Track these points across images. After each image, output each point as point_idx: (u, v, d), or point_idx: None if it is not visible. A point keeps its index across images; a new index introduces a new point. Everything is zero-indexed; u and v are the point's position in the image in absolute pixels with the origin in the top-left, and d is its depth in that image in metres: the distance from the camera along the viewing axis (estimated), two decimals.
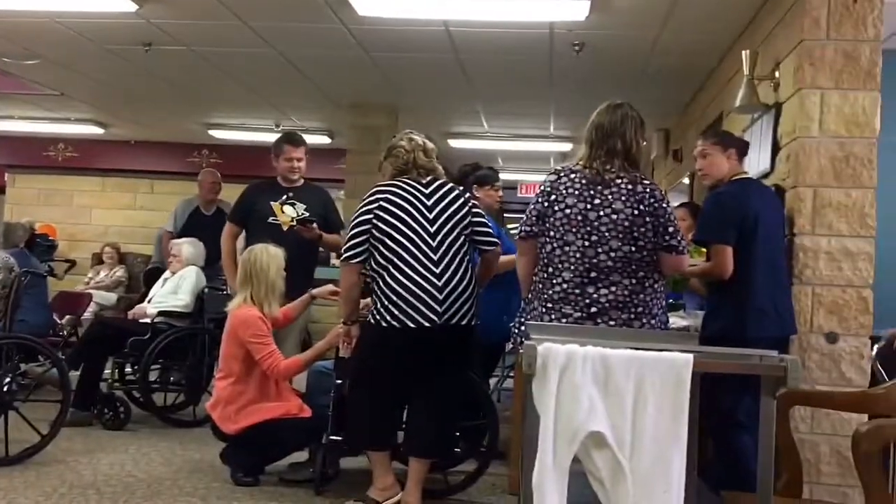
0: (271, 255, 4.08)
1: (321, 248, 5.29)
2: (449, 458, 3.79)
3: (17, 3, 5.05)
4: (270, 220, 4.84)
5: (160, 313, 5.33)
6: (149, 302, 5.54)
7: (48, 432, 4.18)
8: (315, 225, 4.81)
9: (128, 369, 5.31)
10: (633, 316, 3.00)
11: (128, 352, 5.14)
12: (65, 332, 6.49)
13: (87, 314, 7.36)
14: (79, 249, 9.90)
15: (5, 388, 4.11)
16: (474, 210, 3.56)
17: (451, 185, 3.58)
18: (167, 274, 5.70)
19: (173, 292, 5.47)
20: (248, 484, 3.86)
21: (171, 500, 3.59)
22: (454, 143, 9.02)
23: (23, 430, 4.11)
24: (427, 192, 3.49)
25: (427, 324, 3.32)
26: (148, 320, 5.31)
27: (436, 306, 3.33)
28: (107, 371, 5.25)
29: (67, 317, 7.04)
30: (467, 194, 3.64)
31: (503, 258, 3.77)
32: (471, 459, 3.91)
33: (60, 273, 7.47)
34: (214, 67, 6.60)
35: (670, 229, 3.02)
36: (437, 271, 3.37)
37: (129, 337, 5.14)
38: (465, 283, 3.43)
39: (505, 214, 4.53)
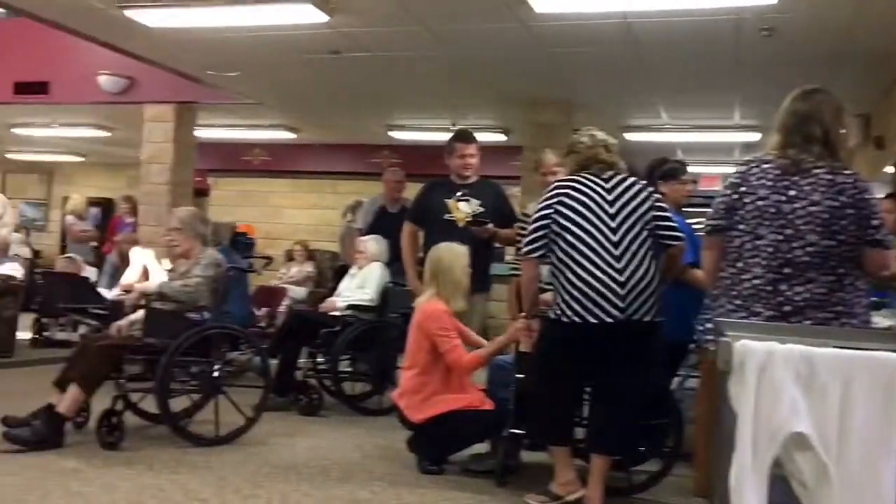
0: (455, 255, 4.20)
1: (496, 245, 5.38)
2: (631, 457, 3.74)
3: (222, 20, 5.49)
4: (446, 217, 4.97)
5: (348, 307, 5.62)
6: (338, 296, 5.84)
7: (252, 416, 4.55)
8: (491, 224, 4.89)
9: (320, 359, 5.62)
10: (831, 315, 2.80)
11: (320, 343, 5.47)
12: (263, 324, 6.99)
13: (281, 307, 7.88)
14: (273, 247, 10.60)
15: (215, 374, 4.49)
16: (657, 204, 3.49)
17: (633, 179, 3.53)
18: (354, 270, 5.99)
19: (360, 287, 5.74)
20: (433, 472, 4.00)
21: (363, 484, 3.78)
22: (630, 137, 8.85)
23: (230, 412, 4.47)
24: (608, 186, 3.46)
25: (609, 319, 3.30)
26: (337, 313, 5.61)
27: (617, 302, 3.30)
28: (302, 360, 5.60)
29: (265, 309, 7.58)
30: (650, 188, 3.57)
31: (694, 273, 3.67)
32: (654, 459, 3.85)
33: (259, 269, 8.05)
34: (396, 71, 6.87)
35: (874, 222, 2.81)
36: (619, 266, 3.34)
37: (321, 329, 5.46)
38: (647, 278, 3.37)
39: (683, 209, 4.40)
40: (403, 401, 4.12)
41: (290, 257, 10.26)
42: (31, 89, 8.75)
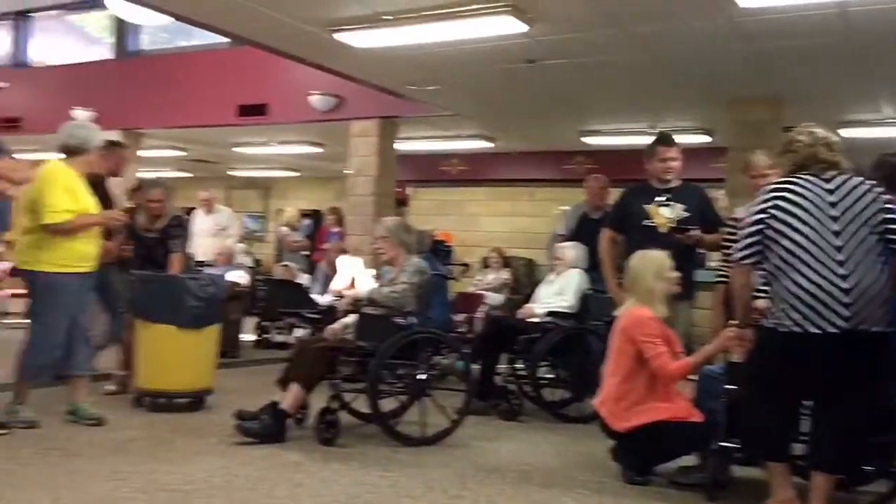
0: (646, 262, 4.10)
1: (701, 250, 5.19)
2: (857, 476, 3.47)
3: (424, 37, 5.71)
4: (645, 222, 4.87)
5: (547, 313, 5.64)
6: (536, 303, 5.88)
7: (456, 418, 4.68)
8: (696, 230, 4.73)
9: (519, 365, 5.68)
10: None
11: (519, 349, 5.53)
12: (462, 329, 7.17)
13: (479, 313, 8.04)
14: (469, 254, 10.83)
15: (421, 377, 4.66)
16: (887, 206, 3.23)
17: (858, 179, 3.28)
18: (552, 276, 6.00)
19: (559, 293, 5.75)
20: (637, 483, 3.92)
21: (565, 491, 3.77)
22: (846, 133, 8.20)
23: (435, 414, 4.63)
24: (829, 187, 3.24)
25: (832, 329, 3.09)
26: (536, 320, 5.65)
27: (842, 310, 3.09)
28: (501, 366, 5.69)
29: (463, 315, 7.76)
30: (878, 189, 3.30)
31: None
32: (882, 480, 3.55)
33: (457, 276, 8.26)
34: (592, 76, 6.82)
35: None
36: (843, 272, 3.12)
37: (520, 335, 5.53)
38: (875, 285, 3.13)
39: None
40: (605, 408, 4.08)
41: (485, 264, 10.43)
42: (252, 111, 9.53)
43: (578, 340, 5.54)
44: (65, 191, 4.46)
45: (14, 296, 9.30)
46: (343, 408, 4.70)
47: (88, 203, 4.61)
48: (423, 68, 6.73)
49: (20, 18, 11.89)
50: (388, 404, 4.76)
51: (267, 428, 4.37)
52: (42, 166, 4.57)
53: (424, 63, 6.53)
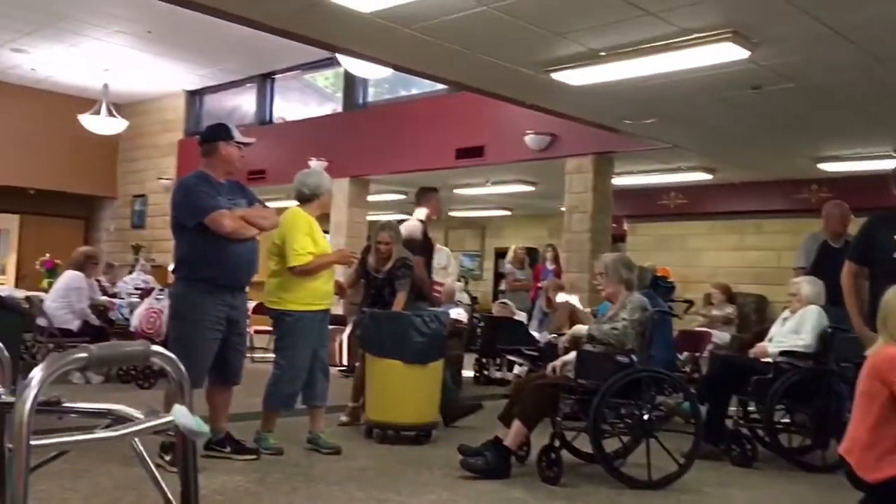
0: None
1: None
2: None
3: (640, 70, 5.64)
4: (895, 255, 4.43)
5: (782, 353, 5.28)
6: (769, 341, 5.53)
7: (683, 462, 4.48)
8: None
9: (751, 407, 5.35)
10: None
11: (751, 390, 5.20)
12: (687, 369, 6.88)
13: (704, 352, 7.69)
14: (691, 290, 10.43)
15: (645, 417, 4.52)
16: None
17: None
18: (786, 313, 5.62)
19: (794, 332, 5.37)
20: None
21: None
22: None
23: (661, 457, 4.46)
24: None
25: None
26: (769, 360, 5.30)
27: None
28: (732, 408, 5.39)
29: (687, 354, 7.46)
30: None
31: None
32: None
33: (680, 312, 7.97)
34: (824, 98, 6.38)
35: None
36: None
37: (751, 375, 5.20)
38: None
39: None
40: (853, 457, 3.71)
41: (708, 301, 10.00)
42: (469, 153, 9.85)
43: (818, 382, 5.12)
44: (306, 235, 4.87)
45: (257, 332, 10.19)
46: (565, 446, 4.66)
47: (325, 245, 5.01)
48: (640, 102, 6.63)
49: (264, 80, 13.17)
50: (610, 444, 4.65)
51: (491, 465, 4.43)
52: (284, 213, 5.02)
53: (641, 96, 6.43)
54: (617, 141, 8.40)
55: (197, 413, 1.56)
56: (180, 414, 1.46)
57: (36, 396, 1.26)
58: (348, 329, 8.84)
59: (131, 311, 8.33)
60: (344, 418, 5.95)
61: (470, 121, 9.85)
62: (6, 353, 1.83)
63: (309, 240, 4.90)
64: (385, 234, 5.99)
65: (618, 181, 9.68)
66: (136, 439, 1.65)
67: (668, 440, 4.59)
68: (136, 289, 9.35)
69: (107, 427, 1.58)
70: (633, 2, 4.52)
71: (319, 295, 4.96)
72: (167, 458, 4.04)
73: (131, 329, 7.99)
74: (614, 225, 9.84)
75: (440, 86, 9.64)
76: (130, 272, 10.65)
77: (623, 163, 9.43)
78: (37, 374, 1.29)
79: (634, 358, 4.62)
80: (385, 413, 5.41)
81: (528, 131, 9.14)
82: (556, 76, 5.87)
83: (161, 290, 8.31)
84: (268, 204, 4.94)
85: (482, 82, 6.54)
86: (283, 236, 4.90)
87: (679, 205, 11.57)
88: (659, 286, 7.62)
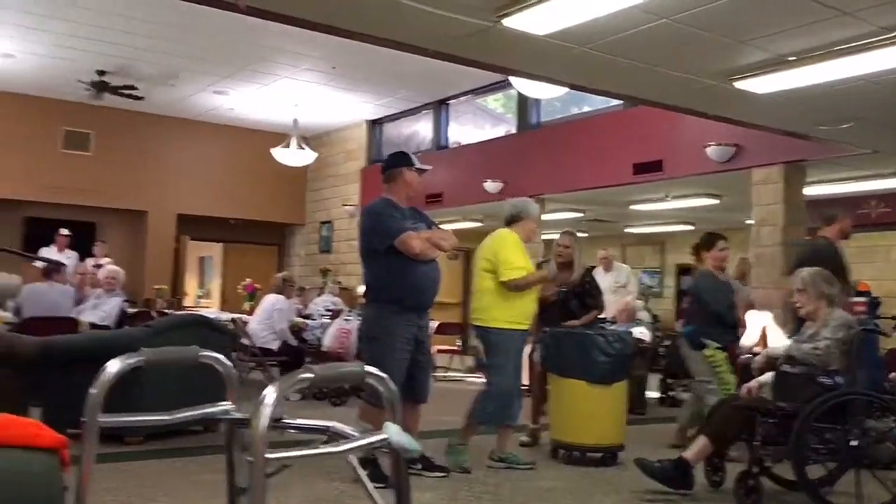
0: None
1: None
2: None
3: (834, 74, 5.31)
4: None
5: None
6: None
7: None
8: None
9: None
10: None
11: None
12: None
13: None
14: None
15: (854, 443, 4.21)
16: None
17: None
18: None
19: None
20: None
21: None
22: None
23: (872, 486, 4.14)
24: None
25: None
26: None
27: None
28: None
29: (894, 374, 6.87)
30: None
31: None
32: None
33: (888, 330, 7.36)
34: None
35: None
36: None
37: None
38: None
39: None
40: None
41: None
42: (647, 168, 9.64)
43: None
44: (517, 251, 5.11)
45: (439, 351, 10.46)
46: (763, 472, 4.43)
47: (531, 265, 5.24)
48: (834, 107, 6.24)
49: (439, 106, 13.56)
50: (814, 471, 4.37)
51: (665, 472, 4.31)
52: (492, 234, 5.27)
53: (835, 101, 6.04)
54: (809, 148, 7.92)
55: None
56: (393, 432, 1.54)
57: (271, 413, 1.37)
58: (528, 348, 8.87)
59: (323, 332, 8.81)
60: (525, 438, 5.98)
61: (647, 135, 9.65)
62: (234, 370, 2.00)
63: (521, 255, 5.10)
64: (566, 238, 6.02)
65: (810, 190, 9.12)
66: (351, 455, 1.76)
67: (883, 470, 4.25)
68: (327, 310, 9.86)
69: (324, 443, 1.70)
70: (826, 2, 4.27)
71: (525, 314, 5.16)
72: (365, 472, 4.23)
73: (323, 349, 8.45)
74: (808, 237, 9.26)
75: (614, 101, 9.52)
76: (320, 294, 11.25)
77: (816, 171, 8.87)
78: (270, 392, 1.41)
79: (839, 379, 4.33)
80: (570, 433, 5.38)
81: (710, 143, 8.82)
82: (740, 85, 5.64)
83: (349, 311, 8.74)
84: (443, 226, 5.15)
85: (661, 96, 6.40)
86: (496, 253, 5.13)
87: (881, 214, 10.72)
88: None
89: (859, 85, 5.58)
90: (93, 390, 1.71)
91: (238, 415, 1.89)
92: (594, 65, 5.44)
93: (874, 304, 7.37)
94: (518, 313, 5.10)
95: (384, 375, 1.62)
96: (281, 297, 8.58)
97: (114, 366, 1.73)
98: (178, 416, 1.92)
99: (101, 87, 11.65)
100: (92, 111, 13.14)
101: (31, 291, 7.34)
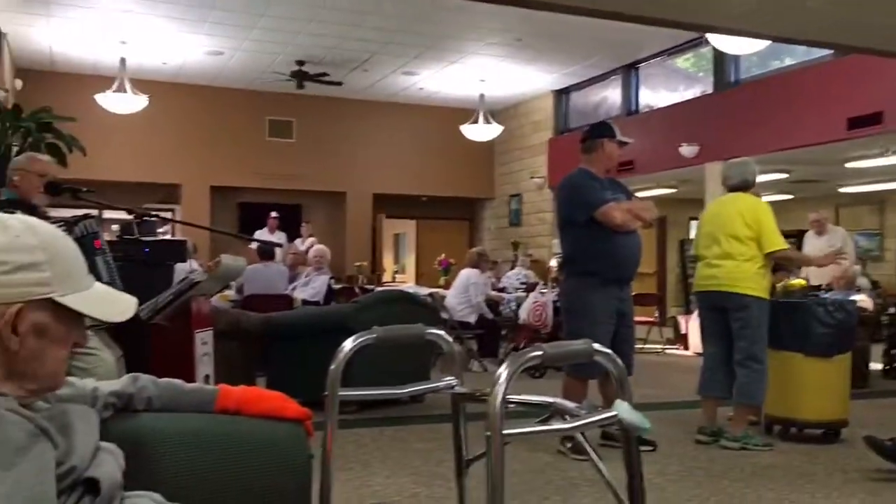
0: None
1: None
2: None
3: None
4: None
5: None
6: None
7: None
8: None
9: None
10: None
11: None
12: None
13: None
14: None
15: None
16: None
17: None
18: None
19: None
20: None
21: None
22: None
23: None
24: None
25: None
26: None
27: None
28: None
29: None
30: None
31: None
32: None
33: None
34: None
35: None
36: None
37: None
38: None
39: None
40: None
41: None
42: (864, 122, 8.85)
43: None
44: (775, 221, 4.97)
45: (637, 323, 10.23)
46: None
47: None
48: None
49: (628, 71, 13.17)
50: None
51: None
52: (744, 200, 5.04)
53: None
54: None
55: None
56: (624, 409, 1.52)
57: (506, 390, 1.40)
58: None
59: (517, 305, 8.89)
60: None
61: (862, 86, 8.85)
62: (457, 346, 2.06)
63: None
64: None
65: None
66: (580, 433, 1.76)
67: None
68: (520, 283, 9.94)
69: (547, 418, 1.71)
70: None
71: (768, 287, 5.01)
72: (568, 445, 4.27)
73: (520, 322, 8.54)
74: None
75: (820, 52, 8.80)
76: (512, 268, 11.35)
77: None
78: (504, 371, 1.44)
79: None
80: (787, 408, 5.09)
81: None
82: None
83: (544, 284, 8.76)
84: (638, 195, 5.00)
85: (880, 42, 5.84)
86: (759, 222, 4.89)
87: None
88: None
89: None
90: (332, 366, 1.82)
91: (464, 389, 1.94)
92: (802, 14, 5.05)
93: None
94: (768, 284, 4.98)
95: (611, 352, 1.60)
96: (476, 271, 8.74)
97: (350, 344, 1.83)
98: (411, 389, 2.01)
99: (300, 76, 12.33)
100: (293, 100, 13.95)
101: (251, 272, 7.94)
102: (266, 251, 8.45)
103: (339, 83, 12.83)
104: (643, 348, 10.35)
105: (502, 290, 10.00)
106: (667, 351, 10.24)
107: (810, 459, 4.53)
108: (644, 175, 11.98)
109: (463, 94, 14.16)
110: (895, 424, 4.34)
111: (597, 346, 1.59)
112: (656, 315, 12.06)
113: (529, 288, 9.26)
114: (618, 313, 4.64)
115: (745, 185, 5.09)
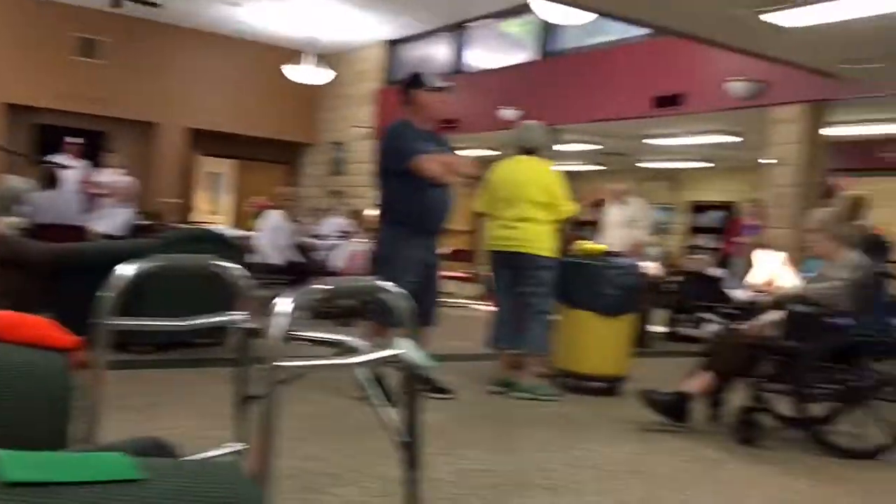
0: None
1: None
2: None
3: (866, 9, 5.15)
4: None
5: None
6: None
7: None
8: None
9: None
10: None
11: None
12: None
13: None
14: None
15: (856, 384, 4.23)
16: None
17: None
18: None
19: None
20: None
21: None
22: None
23: (872, 427, 4.18)
24: None
25: None
26: None
27: None
28: None
29: None
30: None
31: None
32: None
33: None
34: None
35: None
36: None
37: None
38: None
39: None
40: None
41: None
42: (668, 102, 9.46)
43: None
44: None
45: (448, 278, 10.48)
46: (764, 409, 4.46)
47: None
48: (862, 44, 6.07)
49: (458, 29, 13.27)
50: (815, 410, 4.40)
51: (668, 404, 4.34)
52: (536, 165, 5.24)
53: (863, 38, 5.88)
54: (833, 88, 7.73)
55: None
56: (407, 347, 1.54)
57: (285, 323, 1.36)
58: None
59: (333, 253, 8.83)
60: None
61: (669, 68, 9.45)
62: (249, 281, 1.99)
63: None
64: None
65: (830, 131, 8.96)
66: (358, 371, 1.76)
67: (885, 410, 4.28)
68: (338, 232, 9.86)
69: (336, 356, 1.70)
70: None
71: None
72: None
73: (333, 270, 8.48)
74: (828, 179, 9.14)
75: (636, 31, 9.28)
76: (331, 216, 11.24)
77: (839, 111, 8.70)
78: (285, 301, 1.40)
79: (847, 320, 4.33)
80: (575, 363, 5.42)
81: (732, 78, 8.63)
82: (767, 18, 5.48)
83: (362, 233, 8.74)
84: (459, 153, 5.07)
85: (688, 26, 6.23)
86: (552, 187, 5.16)
87: None
88: (875, 246, 7.05)
89: (890, 22, 5.42)
90: (104, 293, 1.70)
91: (251, 324, 1.89)
92: None
93: (885, 247, 7.33)
94: (556, 245, 5.21)
95: (401, 291, 1.61)
96: (279, 213, 8.51)
97: (126, 269, 1.72)
98: (189, 322, 1.92)
99: None
100: (106, 18, 12.93)
101: (40, 199, 7.33)
102: (46, 175, 7.70)
103: (158, 5, 12.01)
104: (454, 302, 10.65)
105: (318, 237, 9.89)
106: (474, 306, 10.58)
107: (593, 410, 4.86)
108: (468, 134, 12.20)
109: (291, 34, 13.71)
110: (671, 382, 4.71)
111: (385, 284, 1.59)
112: (470, 271, 12.39)
113: (346, 237, 9.22)
114: (425, 264, 4.71)
115: (537, 149, 5.32)
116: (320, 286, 1.45)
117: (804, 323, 4.31)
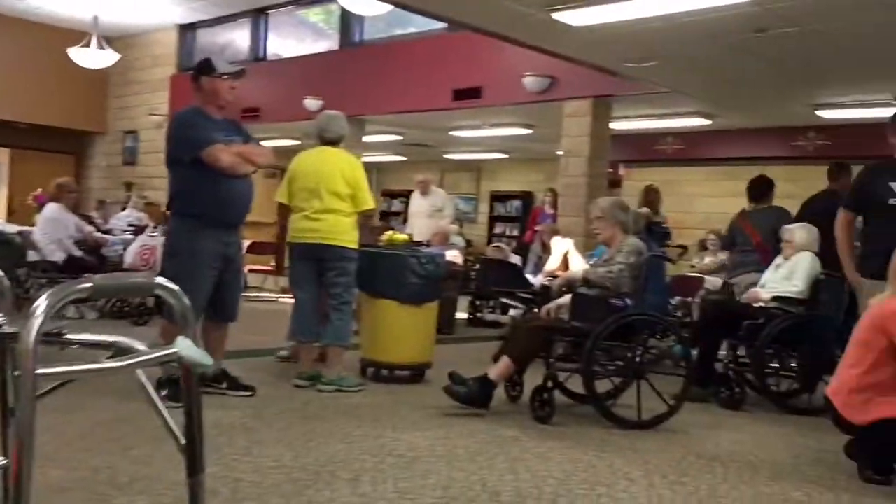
0: None
1: None
2: None
3: (644, 11, 5.55)
4: (891, 201, 4.46)
5: (774, 298, 5.32)
6: (761, 287, 5.57)
7: (673, 404, 4.56)
8: None
9: (741, 352, 5.42)
10: None
11: (742, 335, 5.26)
12: (679, 314, 6.94)
13: (696, 297, 7.74)
14: (684, 236, 10.45)
15: (637, 360, 4.58)
16: None
17: None
18: (779, 260, 5.65)
19: (787, 278, 5.41)
20: (877, 482, 3.62)
21: (795, 486, 3.56)
22: None
23: (651, 398, 4.54)
24: None
25: None
26: (762, 304, 5.35)
27: None
28: (722, 352, 5.45)
29: (678, 298, 7.52)
30: None
31: None
32: None
33: (675, 258, 8.00)
34: (826, 43, 6.30)
35: None
36: None
37: (743, 320, 5.25)
38: None
39: None
40: (840, 399, 3.78)
41: (703, 247, 10.02)
42: (467, 95, 9.74)
43: (809, 328, 5.18)
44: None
45: (252, 271, 10.21)
46: (557, 387, 4.72)
47: None
48: (642, 44, 6.55)
49: (258, 15, 12.91)
50: (602, 386, 4.72)
51: (471, 394, 4.47)
52: (338, 155, 5.20)
53: (643, 39, 6.34)
54: (616, 84, 8.31)
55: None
56: (184, 346, 1.47)
57: (42, 325, 1.26)
58: None
59: (125, 248, 8.31)
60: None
61: (468, 61, 9.72)
62: (6, 281, 1.82)
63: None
64: None
65: (615, 125, 9.61)
66: (140, 372, 1.66)
67: (659, 382, 4.66)
68: (130, 225, 9.31)
69: (110, 359, 1.59)
70: None
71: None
72: (163, 393, 4.08)
73: (125, 266, 7.98)
74: (610, 170, 9.80)
75: (437, 24, 9.48)
76: (123, 209, 10.58)
77: (621, 107, 9.35)
78: (42, 303, 1.29)
79: (628, 301, 4.66)
80: (380, 352, 5.46)
81: (527, 73, 9.03)
82: (557, 16, 5.78)
83: (155, 227, 8.29)
84: (262, 143, 4.93)
85: (482, 21, 6.43)
86: (357, 180, 5.13)
87: (676, 150, 11.53)
88: (654, 231, 7.65)
89: (664, 25, 5.88)
90: None
91: (10, 329, 1.72)
92: None
93: (666, 234, 7.97)
94: (358, 236, 5.23)
95: (175, 288, 1.52)
96: (57, 205, 7.86)
97: None
98: None
99: None
100: None
101: None
102: None
103: None
104: (258, 296, 10.39)
105: (108, 232, 9.27)
106: (280, 300, 10.38)
107: (397, 398, 4.91)
108: (270, 124, 11.92)
109: (74, 15, 12.74)
110: (473, 366, 4.87)
111: (160, 280, 1.50)
112: (272, 264, 12.13)
113: (138, 231, 8.71)
114: (224, 258, 4.54)
115: (339, 139, 5.32)
116: (82, 284, 1.34)
117: (589, 305, 4.59)
